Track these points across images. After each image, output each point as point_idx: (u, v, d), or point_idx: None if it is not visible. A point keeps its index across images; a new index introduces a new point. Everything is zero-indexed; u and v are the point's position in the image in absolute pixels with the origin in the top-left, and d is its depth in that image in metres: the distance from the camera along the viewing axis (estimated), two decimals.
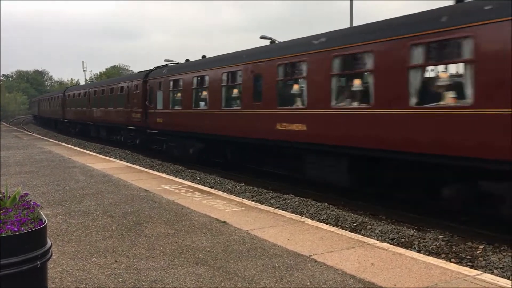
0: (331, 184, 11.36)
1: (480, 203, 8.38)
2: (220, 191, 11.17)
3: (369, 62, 9.82)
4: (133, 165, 15.84)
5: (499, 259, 6.84)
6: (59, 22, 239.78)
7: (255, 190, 12.51)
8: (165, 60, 27.99)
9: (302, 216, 8.54)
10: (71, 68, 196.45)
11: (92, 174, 12.71)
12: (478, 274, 5.05)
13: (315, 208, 10.28)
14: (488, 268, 6.62)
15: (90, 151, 22.29)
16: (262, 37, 22.96)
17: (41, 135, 37.13)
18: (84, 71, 79.17)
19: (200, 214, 7.84)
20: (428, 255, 6.51)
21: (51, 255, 3.53)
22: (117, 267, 5.20)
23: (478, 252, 7.24)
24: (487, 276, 5.03)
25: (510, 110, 7.29)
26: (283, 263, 5.35)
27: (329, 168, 11.19)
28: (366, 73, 10.25)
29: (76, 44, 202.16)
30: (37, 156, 17.63)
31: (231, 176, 14.69)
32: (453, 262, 6.52)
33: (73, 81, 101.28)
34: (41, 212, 3.67)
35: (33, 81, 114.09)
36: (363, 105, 10.03)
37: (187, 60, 20.19)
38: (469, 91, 7.97)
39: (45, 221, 3.48)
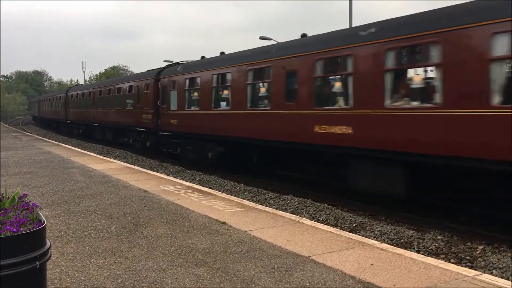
0: (381, 195, 10.00)
1: None
2: (220, 191, 11.17)
3: (436, 55, 8.52)
4: (132, 166, 15.83)
5: (498, 259, 6.84)
6: (58, 22, 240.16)
7: (255, 191, 12.51)
8: (165, 61, 27.88)
9: (302, 217, 8.54)
10: (71, 68, 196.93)
11: (91, 175, 12.70)
12: (477, 275, 5.05)
13: (314, 209, 10.29)
14: (487, 268, 6.62)
15: (89, 151, 22.28)
16: (262, 38, 22.95)
17: (41, 135, 37.10)
18: (84, 71, 79.27)
19: (200, 215, 7.84)
20: (428, 256, 6.51)
21: (50, 255, 3.52)
22: (116, 267, 5.19)
23: (478, 252, 7.24)
24: (487, 277, 5.03)
25: None
26: (283, 263, 5.34)
27: (380, 176, 9.85)
28: (432, 67, 8.98)
29: (75, 44, 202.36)
30: (36, 157, 17.62)
31: (231, 177, 14.68)
32: (453, 263, 6.51)
33: (73, 82, 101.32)
34: (40, 213, 3.67)
35: (32, 81, 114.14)
36: (427, 105, 8.87)
37: (202, 57, 18.90)
38: None
39: (44, 221, 3.48)
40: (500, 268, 6.58)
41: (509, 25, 7.34)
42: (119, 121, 25.18)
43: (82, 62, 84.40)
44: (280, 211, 8.62)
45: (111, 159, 18.30)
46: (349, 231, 7.91)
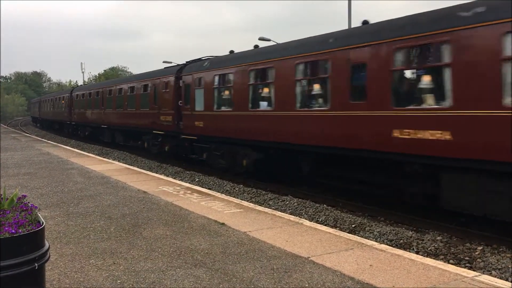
0: (491, 218, 8.10)
1: None
2: (219, 192, 11.16)
3: None
4: (131, 167, 15.83)
5: (497, 260, 6.85)
6: (57, 22, 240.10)
7: (254, 192, 12.51)
8: (164, 62, 27.90)
9: (301, 218, 8.55)
10: (70, 69, 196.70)
11: (90, 176, 12.69)
12: (476, 276, 5.05)
13: (313, 210, 10.29)
14: (486, 269, 6.62)
15: (88, 152, 22.27)
16: (261, 39, 22.97)
17: (39, 136, 37.07)
18: (83, 72, 79.67)
19: (199, 216, 7.84)
20: (427, 257, 6.52)
21: (49, 257, 3.52)
22: (115, 269, 5.19)
23: (477, 253, 7.24)
24: (486, 278, 5.04)
25: None
26: (282, 264, 5.34)
27: (493, 195, 7.80)
28: None
29: (75, 45, 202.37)
30: (35, 158, 17.61)
31: (230, 178, 14.67)
32: (452, 264, 6.52)
33: (72, 83, 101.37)
34: (39, 214, 3.67)
35: (31, 82, 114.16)
36: None
37: (231, 52, 16.80)
38: None
39: (43, 223, 3.48)
40: (499, 269, 6.58)
41: None
42: (132, 123, 23.05)
43: (81, 63, 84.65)
44: (279, 212, 8.62)
45: (110, 160, 18.29)
46: (348, 232, 7.91)
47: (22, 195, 3.92)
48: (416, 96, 9.10)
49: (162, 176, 13.45)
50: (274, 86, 12.64)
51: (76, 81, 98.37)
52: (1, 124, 59.70)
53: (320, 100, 11.34)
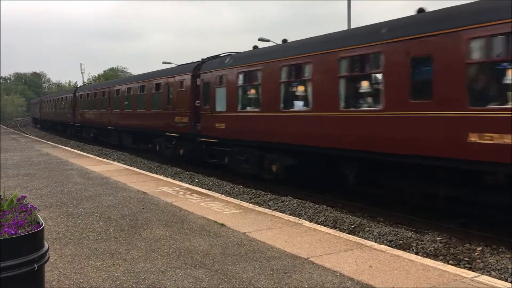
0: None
1: None
2: (218, 193, 11.16)
3: None
4: (131, 167, 15.82)
5: (497, 261, 6.85)
6: (57, 23, 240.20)
7: (253, 192, 12.51)
8: (164, 63, 27.89)
9: (300, 218, 8.54)
10: (69, 70, 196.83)
11: (90, 177, 12.69)
12: (476, 276, 5.05)
13: (313, 210, 10.29)
14: (486, 270, 6.63)
15: (88, 153, 22.26)
16: (260, 40, 22.97)
17: (39, 137, 37.06)
18: (82, 73, 79.65)
19: (198, 217, 7.84)
20: (426, 257, 6.52)
21: (48, 258, 3.52)
22: (114, 270, 5.19)
23: (476, 254, 7.24)
24: (485, 278, 5.04)
25: None
26: (281, 265, 5.34)
27: None
28: None
29: (74, 45, 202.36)
30: (35, 159, 17.60)
31: (229, 178, 14.68)
32: (451, 264, 6.52)
33: (71, 83, 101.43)
34: (38, 215, 3.67)
35: (31, 83, 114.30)
36: None
37: (255, 47, 15.52)
38: None
39: (42, 224, 3.48)
40: (498, 270, 6.58)
41: None
42: (142, 125, 21.74)
43: (81, 64, 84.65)
44: (279, 213, 8.62)
45: (110, 161, 18.29)
46: (347, 233, 7.92)
47: (22, 196, 3.91)
48: (500, 94, 7.71)
49: (161, 177, 13.45)
50: (311, 84, 11.29)
51: (76, 82, 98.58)
52: (1, 125, 59.68)
53: (370, 99, 10.07)
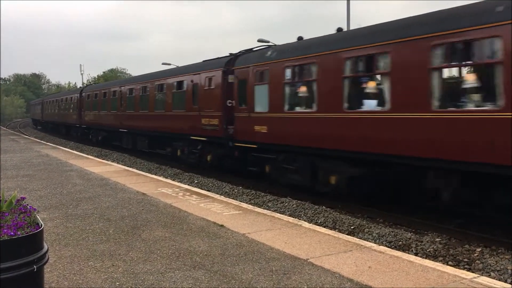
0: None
1: None
2: (218, 194, 11.16)
3: None
4: (130, 169, 15.82)
5: (496, 262, 6.86)
6: (57, 24, 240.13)
7: (253, 193, 12.52)
8: (163, 64, 27.89)
9: (300, 219, 8.55)
10: (69, 71, 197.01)
11: (89, 178, 12.69)
12: (475, 277, 5.06)
13: (312, 211, 10.29)
14: (485, 271, 6.63)
15: (87, 154, 22.25)
16: (260, 41, 22.98)
17: (38, 138, 37.04)
18: (82, 74, 79.49)
19: (198, 218, 7.84)
20: (425, 258, 6.51)
21: (48, 259, 3.52)
22: (114, 271, 5.19)
23: (475, 255, 7.25)
24: (484, 279, 5.04)
25: None
26: (281, 266, 5.35)
27: None
28: None
29: (73, 46, 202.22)
30: (34, 160, 17.60)
31: (229, 179, 14.68)
32: (450, 265, 6.53)
33: (71, 85, 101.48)
34: (38, 216, 3.67)
35: (30, 84, 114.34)
36: None
37: (300, 38, 13.42)
38: None
39: (41, 225, 3.48)
40: (498, 271, 6.58)
41: None
42: (161, 127, 19.57)
43: (80, 65, 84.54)
44: (278, 214, 8.63)
45: (109, 162, 18.29)
46: (347, 234, 7.92)
47: (21, 197, 3.92)
48: None
49: (161, 178, 13.45)
50: (389, 79, 9.31)
51: (75, 83, 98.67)
52: (0, 126, 59.66)
53: (475, 97, 8.08)
